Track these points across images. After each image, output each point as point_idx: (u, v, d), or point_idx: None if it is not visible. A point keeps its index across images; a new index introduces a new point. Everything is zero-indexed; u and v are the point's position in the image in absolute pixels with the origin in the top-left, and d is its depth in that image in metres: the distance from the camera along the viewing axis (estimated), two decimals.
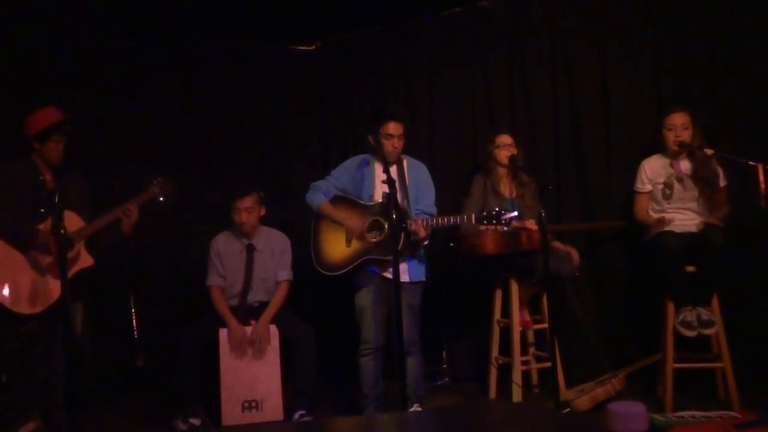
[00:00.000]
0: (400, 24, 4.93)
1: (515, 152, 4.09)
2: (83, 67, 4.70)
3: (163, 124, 4.90)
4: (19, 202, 3.47)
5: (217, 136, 5.02)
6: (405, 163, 3.91)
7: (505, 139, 4.15)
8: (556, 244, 4.10)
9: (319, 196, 3.91)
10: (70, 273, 3.44)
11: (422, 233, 3.60)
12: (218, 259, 4.07)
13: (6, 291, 3.34)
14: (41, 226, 3.42)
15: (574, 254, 4.01)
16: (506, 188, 4.17)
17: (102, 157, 4.67)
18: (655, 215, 3.95)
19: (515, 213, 3.44)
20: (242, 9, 4.53)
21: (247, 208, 3.97)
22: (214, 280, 4.05)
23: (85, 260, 3.53)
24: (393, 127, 3.76)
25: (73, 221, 3.49)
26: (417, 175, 3.90)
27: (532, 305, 4.24)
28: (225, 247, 4.09)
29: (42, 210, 3.47)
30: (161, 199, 3.70)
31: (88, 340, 3.75)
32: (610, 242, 4.42)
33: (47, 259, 3.42)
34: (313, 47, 5.26)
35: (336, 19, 4.86)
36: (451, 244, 4.18)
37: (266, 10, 4.56)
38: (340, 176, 3.95)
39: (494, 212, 3.43)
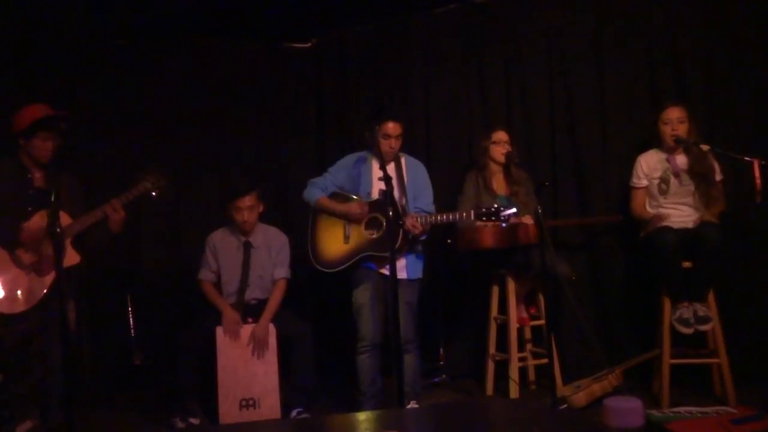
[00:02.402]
0: (396, 21, 4.92)
1: (510, 149, 4.09)
2: (78, 65, 4.68)
3: (159, 122, 4.89)
4: (3, 200, 3.42)
5: (213, 134, 5.00)
6: (403, 161, 3.90)
7: (501, 135, 4.15)
8: None
9: (316, 191, 3.91)
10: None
11: (418, 230, 3.61)
12: (213, 255, 4.07)
13: None
14: (25, 224, 3.38)
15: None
16: (500, 185, 4.17)
17: (98, 155, 4.66)
18: (651, 211, 3.95)
19: (514, 210, 3.45)
20: (238, 6, 4.52)
21: (249, 207, 3.97)
22: (205, 275, 4.06)
23: (72, 258, 3.45)
24: (391, 128, 3.75)
25: (61, 219, 3.47)
26: (415, 174, 3.90)
27: (528, 301, 4.25)
28: (221, 243, 4.08)
29: (29, 209, 3.43)
30: (154, 194, 3.60)
31: (84, 337, 3.74)
32: (607, 238, 4.42)
33: (31, 258, 3.39)
34: (309, 44, 5.25)
35: (332, 16, 4.86)
36: (449, 241, 4.18)
37: (262, 8, 4.55)
38: (338, 173, 3.95)
39: (493, 209, 3.44)
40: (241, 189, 3.97)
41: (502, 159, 4.10)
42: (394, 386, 3.19)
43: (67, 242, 3.46)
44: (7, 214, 3.41)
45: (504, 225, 3.49)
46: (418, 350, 3.83)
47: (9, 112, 3.58)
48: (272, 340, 3.87)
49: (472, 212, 3.52)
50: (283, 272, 4.07)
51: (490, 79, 4.71)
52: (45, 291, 3.37)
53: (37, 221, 3.38)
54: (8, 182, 3.47)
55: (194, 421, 3.76)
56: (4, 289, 3.35)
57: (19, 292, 3.36)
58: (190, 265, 4.32)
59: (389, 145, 3.76)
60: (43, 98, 3.62)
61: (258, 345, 3.84)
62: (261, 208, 4.06)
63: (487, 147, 4.15)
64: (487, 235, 3.89)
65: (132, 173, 3.70)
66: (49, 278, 3.38)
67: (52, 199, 2.89)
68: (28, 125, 3.44)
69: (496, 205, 3.47)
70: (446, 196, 4.31)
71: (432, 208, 3.85)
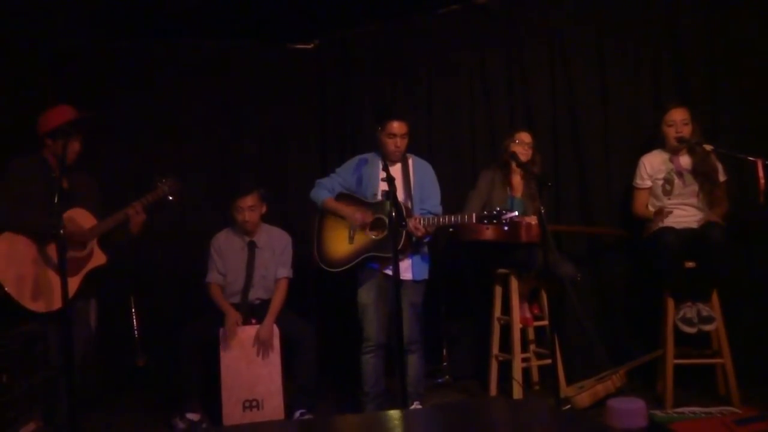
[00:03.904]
0: (399, 21, 4.93)
1: (530, 151, 4.07)
2: (81, 66, 4.70)
3: (161, 124, 4.90)
4: (34, 197, 3.42)
5: (215, 135, 5.02)
6: (410, 162, 3.90)
7: (523, 136, 4.11)
8: None
9: (323, 192, 3.92)
10: (85, 271, 3.46)
11: (420, 232, 3.61)
12: (218, 256, 4.08)
13: (23, 287, 3.30)
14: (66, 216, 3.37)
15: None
16: (518, 185, 4.16)
17: (98, 156, 4.65)
18: (654, 210, 3.94)
19: (515, 213, 3.45)
20: (240, 8, 4.53)
21: (250, 207, 3.98)
22: (213, 277, 4.06)
23: (99, 258, 3.53)
24: (396, 127, 3.75)
25: (86, 219, 3.49)
26: (422, 175, 3.89)
27: (531, 300, 4.24)
28: (226, 244, 4.09)
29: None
30: (171, 198, 3.68)
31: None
32: (610, 239, 4.41)
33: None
34: (312, 45, 5.26)
35: (334, 17, 4.86)
36: (450, 229, 4.17)
37: (264, 9, 4.56)
38: (345, 174, 3.95)
39: (495, 212, 3.44)
40: (243, 189, 3.99)
41: (522, 159, 4.07)
42: (398, 387, 3.20)
43: (94, 243, 3.50)
44: (39, 211, 3.40)
45: (506, 228, 3.50)
46: (422, 351, 3.83)
47: (16, 113, 3.59)
48: (275, 342, 3.88)
49: (474, 215, 3.53)
50: (284, 272, 4.07)
51: (493, 80, 4.70)
52: (70, 296, 3.36)
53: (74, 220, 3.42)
54: (37, 181, 3.47)
55: (193, 417, 3.77)
56: (39, 288, 3.33)
57: (51, 292, 3.35)
58: (194, 265, 4.33)
59: (395, 144, 3.76)
60: (47, 100, 3.63)
61: (263, 346, 3.84)
62: (263, 209, 4.07)
63: (508, 146, 4.14)
64: (489, 228, 3.89)
65: (132, 174, 3.71)
66: (75, 281, 3.40)
67: (55, 200, 2.91)
68: (60, 125, 3.45)
69: (497, 209, 3.47)
70: (448, 196, 4.30)
71: (439, 209, 3.84)
